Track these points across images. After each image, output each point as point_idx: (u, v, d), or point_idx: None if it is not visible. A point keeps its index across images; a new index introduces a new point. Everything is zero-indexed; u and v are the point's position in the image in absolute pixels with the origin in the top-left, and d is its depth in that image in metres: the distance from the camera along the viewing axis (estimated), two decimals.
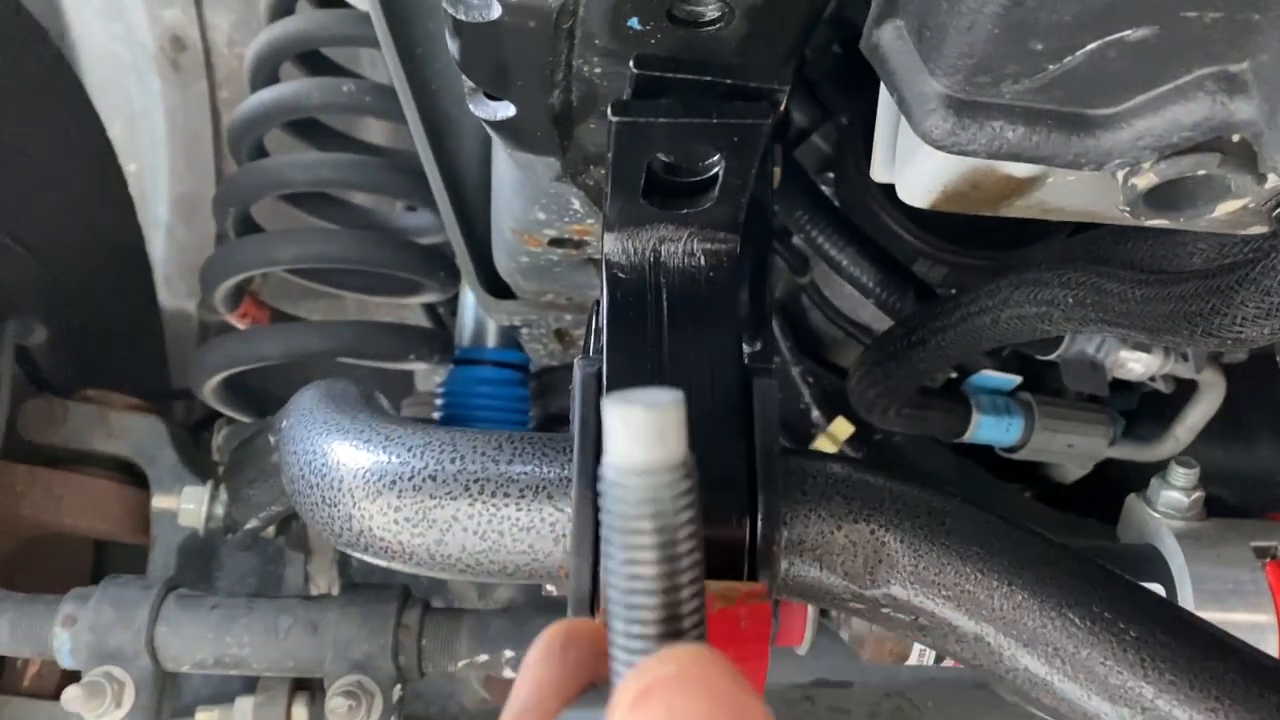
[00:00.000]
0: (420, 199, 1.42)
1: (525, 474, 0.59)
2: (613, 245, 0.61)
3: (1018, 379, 1.23)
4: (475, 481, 0.59)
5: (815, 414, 1.37)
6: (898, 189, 0.73)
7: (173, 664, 1.05)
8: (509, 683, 1.23)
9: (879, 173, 0.73)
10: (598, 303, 0.62)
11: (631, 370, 0.60)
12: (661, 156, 0.57)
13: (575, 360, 0.61)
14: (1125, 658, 0.55)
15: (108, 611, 1.04)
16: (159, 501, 1.21)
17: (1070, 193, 0.69)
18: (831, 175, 1.35)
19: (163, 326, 2.01)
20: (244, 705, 1.22)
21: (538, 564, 0.60)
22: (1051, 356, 1.14)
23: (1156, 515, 0.89)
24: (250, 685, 1.25)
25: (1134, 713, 0.55)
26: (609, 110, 0.53)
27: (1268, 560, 0.84)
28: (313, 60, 1.52)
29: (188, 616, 1.05)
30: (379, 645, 1.04)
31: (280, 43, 1.45)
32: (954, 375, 1.25)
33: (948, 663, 0.91)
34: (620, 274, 0.61)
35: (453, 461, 0.60)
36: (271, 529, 1.20)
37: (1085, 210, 0.71)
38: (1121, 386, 1.34)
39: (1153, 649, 0.56)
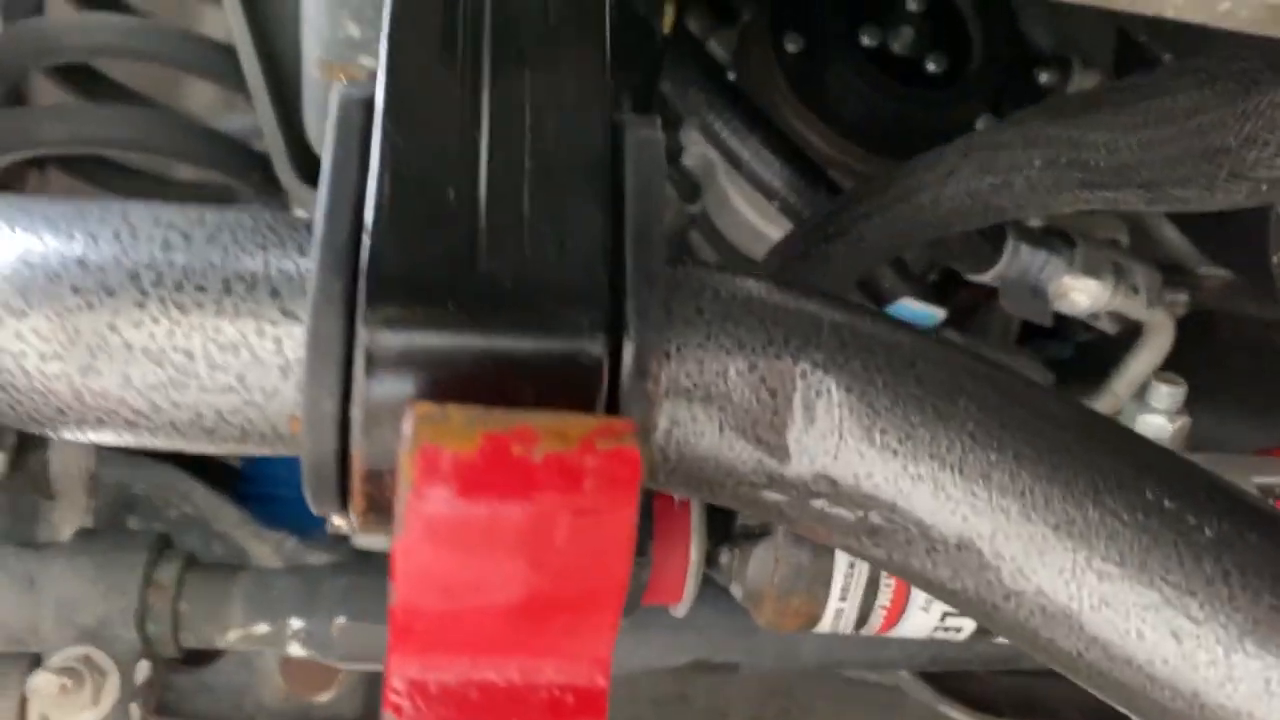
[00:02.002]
0: (229, 81, 1.17)
1: (234, 258, 0.35)
2: None
3: (942, 313, 1.04)
4: (148, 269, 0.35)
5: None
6: None
7: None
8: (309, 667, 0.98)
9: None
10: None
11: (425, 99, 0.36)
12: None
13: (334, 85, 0.38)
14: (1200, 568, 0.34)
15: None
16: None
17: None
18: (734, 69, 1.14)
19: None
20: None
21: (252, 409, 0.36)
22: (987, 276, 0.95)
23: None
24: None
25: (1213, 657, 0.35)
26: None
27: (1274, 500, 0.66)
28: None
29: None
30: (119, 608, 0.78)
31: None
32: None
33: (870, 628, 0.69)
34: None
35: (116, 239, 0.36)
36: (2, 461, 0.93)
37: None
38: (1054, 335, 1.17)
39: (1243, 555, 0.35)
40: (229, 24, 1.56)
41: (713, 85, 0.96)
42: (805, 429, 0.37)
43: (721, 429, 0.37)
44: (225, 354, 0.35)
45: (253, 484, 1.26)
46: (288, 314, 0.35)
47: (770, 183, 0.96)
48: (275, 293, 0.35)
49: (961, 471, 0.36)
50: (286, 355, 0.36)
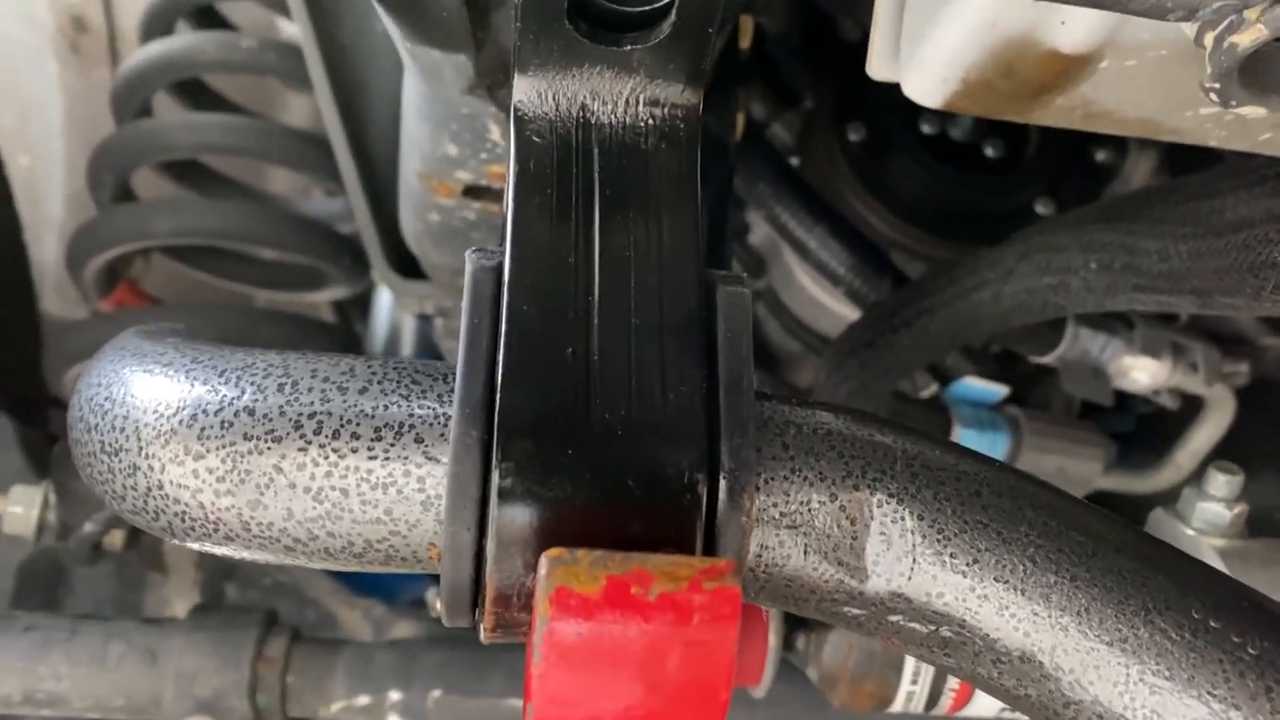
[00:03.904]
0: (327, 175, 1.24)
1: (383, 408, 0.41)
2: (525, 92, 0.44)
3: (1005, 390, 1.08)
4: (310, 417, 0.41)
5: None
6: (905, 85, 0.57)
7: None
8: None
9: (879, 67, 0.57)
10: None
11: (545, 266, 0.42)
12: None
13: (467, 253, 0.44)
14: (1244, 684, 0.38)
15: None
16: None
17: (1126, 87, 0.54)
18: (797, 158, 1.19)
19: (42, 332, 1.80)
20: None
21: (397, 538, 0.41)
22: (1049, 358, 0.99)
23: (1192, 532, 0.73)
24: None
25: None
26: None
27: None
28: (211, 19, 1.34)
29: None
30: (232, 680, 0.84)
31: None
32: (935, 386, 1.09)
33: (940, 709, 0.73)
34: (534, 135, 0.44)
35: (280, 390, 0.41)
36: (120, 540, 1.00)
37: (1140, 117, 0.56)
38: (1116, 408, 1.19)
39: None
40: (313, 111, 1.66)
41: (778, 176, 1.01)
42: (882, 553, 0.42)
43: (806, 552, 0.42)
44: (375, 491, 0.41)
45: None
46: (430, 458, 0.41)
47: (835, 269, 1.00)
48: (419, 439, 0.41)
49: (1024, 592, 0.41)
50: (428, 492, 0.41)
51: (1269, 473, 1.24)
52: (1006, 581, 0.41)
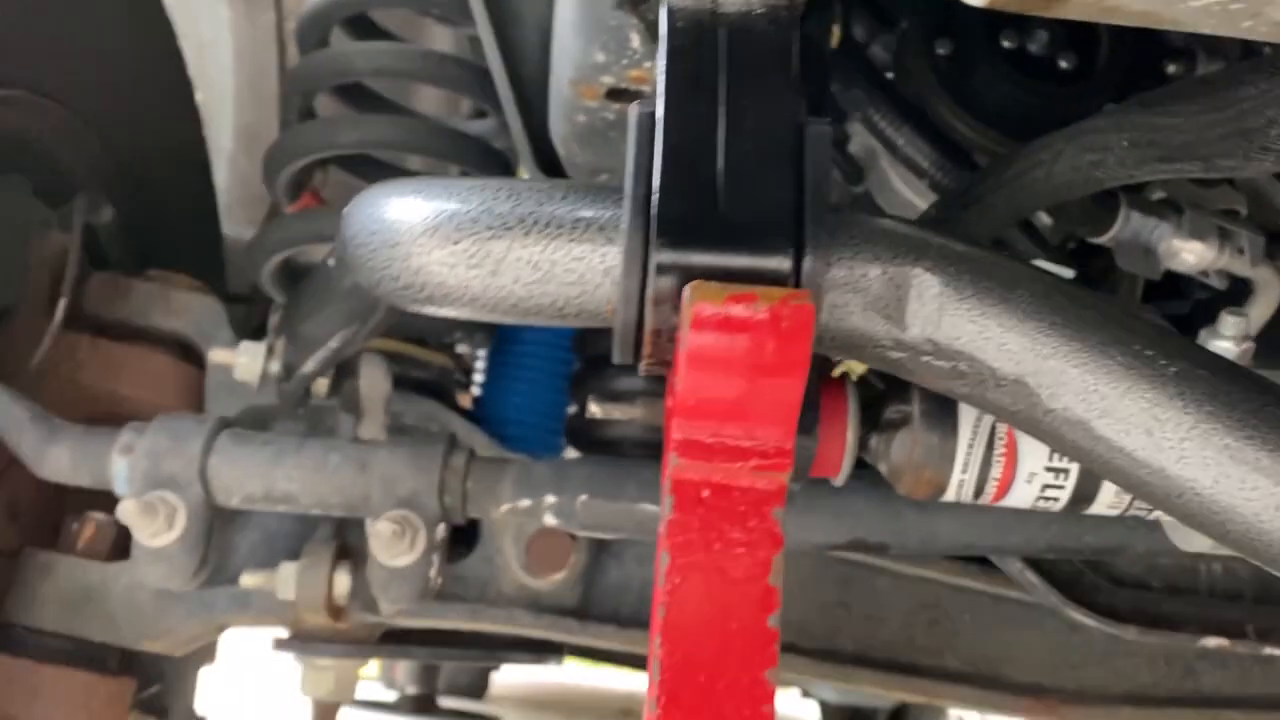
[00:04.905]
0: (480, 96, 1.45)
1: (578, 212, 0.61)
2: None
3: (1071, 273, 1.23)
4: (530, 215, 0.61)
5: None
6: None
7: (224, 495, 1.08)
8: (553, 540, 1.24)
9: None
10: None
11: (687, 115, 0.61)
12: None
13: (630, 106, 0.63)
14: (1165, 391, 0.55)
15: (163, 440, 1.07)
16: (215, 356, 1.24)
17: None
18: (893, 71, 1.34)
19: (223, 241, 2.05)
20: (288, 570, 1.25)
21: (587, 297, 0.61)
22: (1104, 238, 1.13)
23: None
24: (294, 552, 1.28)
25: (1173, 444, 0.55)
26: None
27: None
28: None
29: (240, 451, 1.08)
30: (425, 483, 1.06)
31: None
32: None
33: (985, 498, 0.90)
34: (680, 21, 0.63)
35: (509, 199, 0.62)
36: (325, 385, 1.23)
37: (1144, 9, 0.71)
38: (1172, 291, 1.33)
39: (1193, 383, 0.56)
40: (457, 40, 1.86)
41: (872, 84, 1.17)
42: (917, 309, 0.60)
43: (864, 309, 0.60)
44: (574, 262, 0.61)
45: (489, 421, 1.55)
46: (610, 240, 0.61)
47: (921, 164, 1.16)
48: (602, 229, 0.61)
49: (1017, 333, 0.58)
50: (609, 263, 0.61)
51: None
52: (1004, 326, 0.59)
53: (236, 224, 2.53)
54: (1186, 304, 1.33)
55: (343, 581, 1.24)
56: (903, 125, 1.15)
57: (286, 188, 1.55)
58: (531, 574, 1.27)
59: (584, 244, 0.61)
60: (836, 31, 1.00)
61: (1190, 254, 1.15)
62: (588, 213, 0.61)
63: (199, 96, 2.47)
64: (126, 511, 1.03)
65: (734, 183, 0.59)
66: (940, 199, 1.07)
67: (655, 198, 0.59)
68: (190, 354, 1.48)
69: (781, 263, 0.58)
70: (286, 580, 1.24)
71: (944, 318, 0.59)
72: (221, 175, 2.51)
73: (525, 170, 1.30)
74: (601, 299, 0.62)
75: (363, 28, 1.55)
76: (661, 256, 0.58)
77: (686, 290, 0.55)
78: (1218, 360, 0.59)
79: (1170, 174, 0.86)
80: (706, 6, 0.62)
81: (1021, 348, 0.58)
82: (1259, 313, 1.25)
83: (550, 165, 1.28)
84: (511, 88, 1.28)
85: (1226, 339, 0.88)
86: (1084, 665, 1.48)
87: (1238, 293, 1.26)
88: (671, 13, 0.62)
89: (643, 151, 0.60)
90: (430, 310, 0.66)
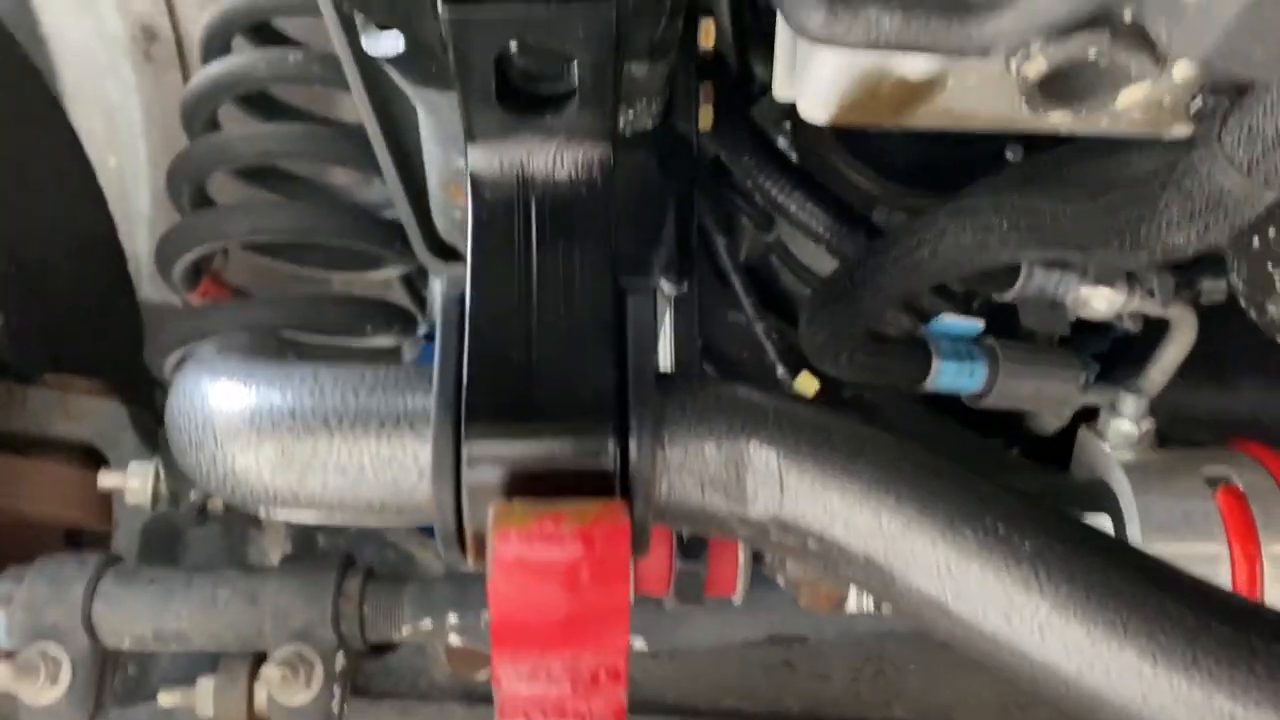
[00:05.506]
0: (375, 170, 1.40)
1: (384, 405, 0.56)
2: (477, 158, 0.58)
3: (980, 324, 1.19)
4: (333, 414, 0.56)
5: (780, 371, 1.33)
6: (799, 107, 0.69)
7: (112, 639, 1.03)
8: (466, 653, 1.21)
9: (781, 89, 0.70)
10: None
11: (496, 291, 0.57)
12: (513, 55, 0.54)
13: (438, 285, 0.58)
14: (1019, 571, 0.52)
15: (42, 588, 1.02)
16: (104, 480, 1.19)
17: (973, 96, 0.66)
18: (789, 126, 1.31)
19: (142, 318, 1.99)
20: (205, 685, 1.20)
21: (403, 498, 0.57)
22: (1008, 296, 1.10)
23: (1105, 448, 0.85)
24: (213, 664, 1.23)
25: (1030, 629, 0.52)
26: (438, 2, 0.50)
27: (1218, 488, 0.80)
28: (267, 34, 1.49)
29: (125, 592, 1.03)
30: (318, 614, 1.02)
31: (230, 15, 1.43)
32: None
33: (886, 609, 0.87)
34: (485, 190, 0.58)
35: (311, 395, 0.57)
36: (221, 504, 1.18)
37: (992, 115, 0.67)
38: (1091, 329, 1.30)
39: (1049, 562, 0.52)
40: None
41: (760, 152, 1.13)
42: (758, 486, 0.56)
43: (703, 489, 0.56)
44: (383, 465, 0.56)
45: None
46: (420, 437, 0.56)
47: (815, 229, 1.13)
48: (411, 425, 0.56)
49: (861, 510, 0.54)
50: (421, 463, 0.56)
51: (1247, 382, 1.33)
52: (847, 503, 0.55)
53: (161, 289, 2.47)
54: (1105, 341, 1.30)
55: (263, 695, 1.19)
56: (794, 192, 1.11)
57: (183, 278, 1.49)
58: (457, 675, 1.23)
59: (394, 442, 0.56)
60: (708, 113, 0.96)
61: (1100, 300, 1.12)
62: (399, 405, 0.57)
63: (112, 162, 2.40)
64: (3, 677, 0.98)
65: (551, 366, 0.55)
66: (832, 276, 1.03)
67: (465, 392, 0.54)
68: (96, 459, 1.42)
69: (602, 455, 0.53)
70: (204, 697, 1.19)
71: (785, 495, 0.55)
72: (142, 241, 2.45)
73: (417, 252, 1.26)
74: (421, 498, 0.57)
75: (257, 101, 1.49)
76: (474, 449, 0.54)
77: (490, 509, 0.51)
78: (1079, 531, 0.55)
79: (1053, 257, 0.83)
80: (515, 172, 0.58)
81: (867, 525, 0.54)
82: (1176, 351, 1.22)
83: (440, 248, 1.24)
84: (397, 171, 1.23)
85: (1126, 419, 0.85)
86: (1031, 707, 1.46)
87: (1152, 332, 1.23)
88: (476, 183, 0.58)
89: (450, 336, 0.56)
90: (262, 512, 0.62)
